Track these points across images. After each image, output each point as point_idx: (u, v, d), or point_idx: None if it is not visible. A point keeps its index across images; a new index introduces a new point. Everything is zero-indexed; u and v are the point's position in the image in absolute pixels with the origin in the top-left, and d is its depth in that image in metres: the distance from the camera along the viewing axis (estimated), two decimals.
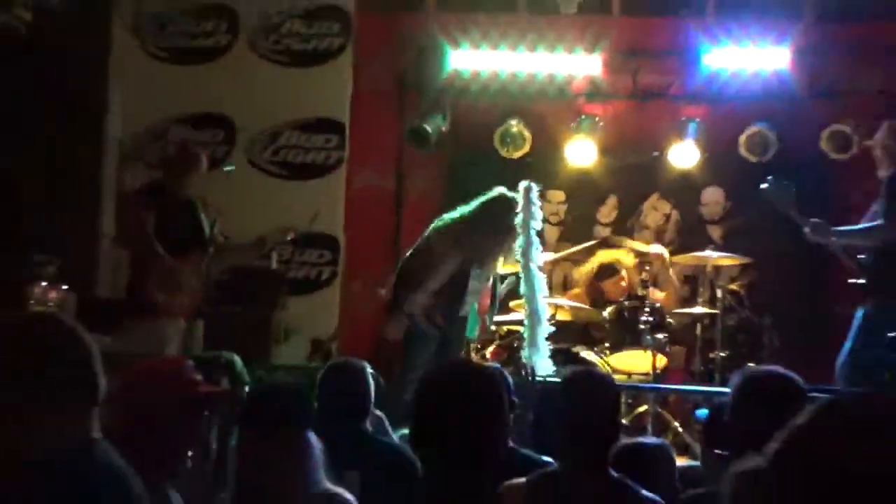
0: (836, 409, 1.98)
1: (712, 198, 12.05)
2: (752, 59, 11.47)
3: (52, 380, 3.04)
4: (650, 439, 6.19)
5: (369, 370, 5.65)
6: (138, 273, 9.82)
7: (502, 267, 10.20)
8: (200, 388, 4.31)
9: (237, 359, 6.05)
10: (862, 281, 9.09)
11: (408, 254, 9.65)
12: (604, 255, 11.64)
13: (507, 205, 9.36)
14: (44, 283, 10.14)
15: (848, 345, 8.92)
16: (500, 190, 9.42)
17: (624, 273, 11.40)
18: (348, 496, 4.30)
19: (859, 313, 9.03)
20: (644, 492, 4.62)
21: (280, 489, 4.14)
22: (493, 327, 10.42)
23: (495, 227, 9.36)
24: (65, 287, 10.17)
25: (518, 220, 9.64)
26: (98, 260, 11.03)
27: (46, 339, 3.10)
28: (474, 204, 9.37)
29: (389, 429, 6.43)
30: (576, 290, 11.65)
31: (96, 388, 3.10)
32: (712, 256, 10.76)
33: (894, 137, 9.50)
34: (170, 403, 3.87)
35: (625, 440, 5.03)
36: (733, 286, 10.76)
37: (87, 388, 3.10)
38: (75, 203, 11.29)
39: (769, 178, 9.28)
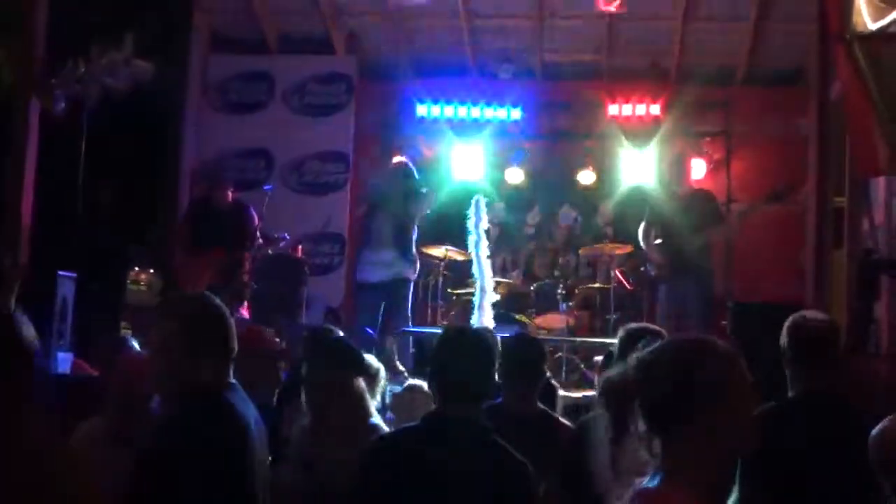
0: (662, 345, 2.35)
1: (606, 207, 12.02)
2: (633, 110, 11.55)
3: (211, 340, 3.23)
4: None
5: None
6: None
7: (459, 255, 10.29)
8: (275, 346, 4.50)
9: (278, 321, 6.06)
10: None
11: None
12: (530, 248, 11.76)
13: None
14: (137, 268, 10.11)
15: None
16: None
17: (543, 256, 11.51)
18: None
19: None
20: (561, 419, 4.69)
21: (343, 416, 4.15)
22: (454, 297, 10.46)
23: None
24: (151, 270, 10.14)
25: (472, 223, 9.70)
26: (176, 250, 10.98)
27: (210, 313, 3.29)
28: None
29: None
30: (509, 273, 11.69)
31: (233, 348, 3.28)
32: (607, 247, 10.82)
33: (672, 169, 9.71)
34: (257, 355, 3.97)
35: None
36: (621, 268, 10.77)
37: (228, 347, 3.27)
38: (160, 209, 11.29)
39: None
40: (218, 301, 3.33)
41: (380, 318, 8.97)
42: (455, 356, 3.49)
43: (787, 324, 4.12)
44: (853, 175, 8.40)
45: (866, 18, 5.73)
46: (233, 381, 3.29)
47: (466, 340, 3.60)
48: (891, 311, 6.64)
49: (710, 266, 9.58)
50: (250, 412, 3.26)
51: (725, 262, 11.40)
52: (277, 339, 5.01)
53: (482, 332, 3.90)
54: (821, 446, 3.76)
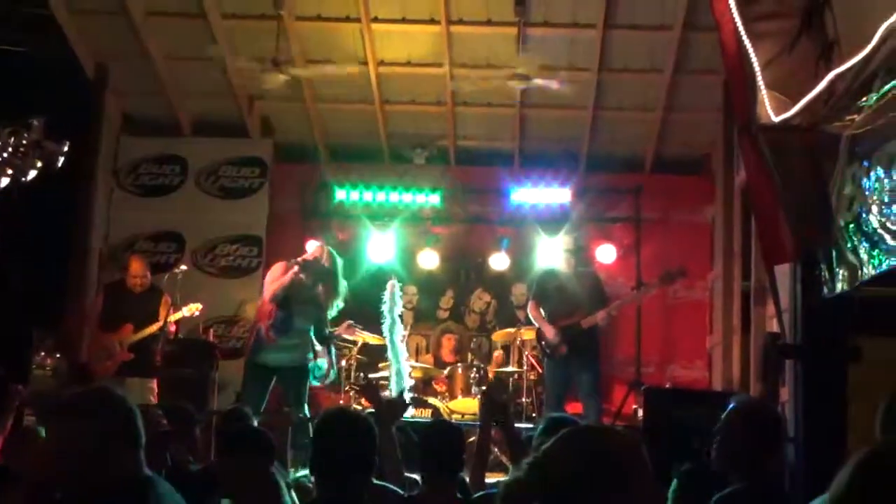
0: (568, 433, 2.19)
1: (519, 290, 12.10)
2: (545, 196, 11.70)
3: (117, 432, 3.18)
4: None
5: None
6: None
7: (373, 339, 10.24)
8: (162, 428, 4.37)
9: (189, 406, 5.95)
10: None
11: None
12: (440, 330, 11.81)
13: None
14: (42, 353, 9.87)
15: None
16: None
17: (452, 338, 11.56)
18: None
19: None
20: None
21: None
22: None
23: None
24: (58, 355, 9.92)
25: (386, 307, 9.69)
26: (83, 335, 10.75)
27: (115, 406, 3.23)
28: None
29: None
30: (422, 357, 11.70)
31: (140, 437, 3.23)
32: (520, 331, 10.86)
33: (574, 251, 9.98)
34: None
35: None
36: (534, 352, 10.82)
37: (135, 437, 3.22)
38: (67, 292, 11.08)
39: None
40: (120, 393, 3.31)
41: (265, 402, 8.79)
42: (331, 437, 3.48)
43: (741, 410, 4.00)
44: (759, 261, 8.59)
45: (769, 111, 5.90)
46: (148, 472, 3.24)
47: (341, 421, 3.62)
48: (796, 395, 6.75)
49: (599, 346, 9.79)
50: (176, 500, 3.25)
51: (635, 346, 11.55)
52: (165, 421, 4.88)
53: (358, 413, 3.88)
54: None
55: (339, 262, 9.10)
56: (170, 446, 4.61)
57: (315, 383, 9.27)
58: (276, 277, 8.91)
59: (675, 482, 4.10)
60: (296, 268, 8.78)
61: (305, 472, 4.97)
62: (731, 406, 4.04)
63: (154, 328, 9.53)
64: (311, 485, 4.69)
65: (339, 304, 9.01)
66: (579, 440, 2.19)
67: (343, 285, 8.99)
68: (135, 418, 3.23)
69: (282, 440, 5.28)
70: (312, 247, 8.97)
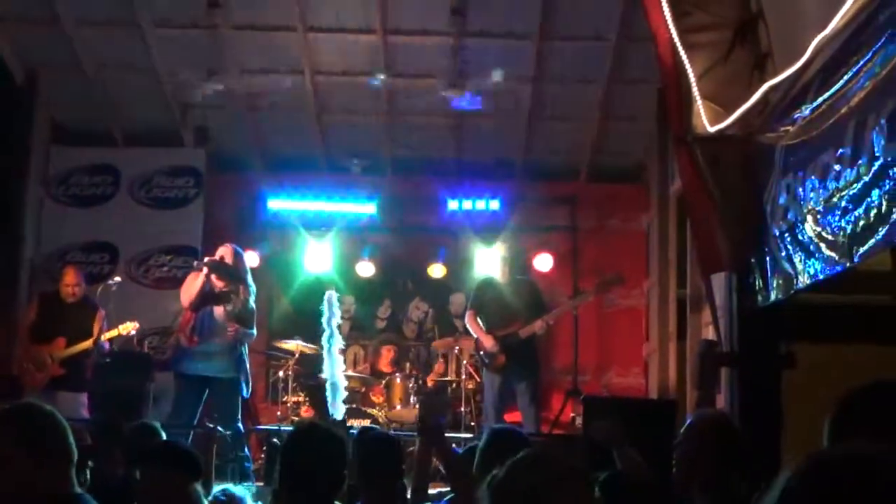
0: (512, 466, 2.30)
1: (457, 300, 12.12)
2: (482, 205, 11.73)
3: (46, 448, 3.08)
4: None
5: None
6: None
7: (310, 350, 10.19)
8: (83, 443, 4.32)
9: (122, 419, 5.88)
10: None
11: None
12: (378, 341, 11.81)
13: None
14: None
15: None
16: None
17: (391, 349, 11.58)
18: None
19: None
20: None
21: None
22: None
23: None
24: None
25: (324, 318, 9.65)
26: (13, 346, 10.57)
27: (39, 422, 3.13)
28: None
29: None
30: (360, 367, 11.68)
31: (72, 453, 3.14)
32: (458, 340, 10.89)
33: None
34: None
35: None
36: (472, 361, 10.84)
37: (66, 454, 3.13)
38: None
39: None
40: (49, 409, 3.22)
41: (198, 415, 8.78)
42: (304, 452, 3.43)
43: (698, 424, 4.02)
44: (696, 268, 8.69)
45: (705, 122, 6.00)
46: (78, 490, 3.16)
47: (315, 436, 3.56)
48: (731, 402, 6.84)
49: (538, 355, 9.85)
50: None
51: (573, 354, 11.62)
52: (88, 435, 4.81)
53: (332, 428, 3.83)
54: None
55: (245, 258, 9.33)
56: (91, 462, 4.51)
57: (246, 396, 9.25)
58: (189, 286, 9.07)
59: None
60: (204, 269, 8.93)
61: (225, 486, 4.92)
62: (689, 420, 4.07)
63: (87, 344, 9.41)
64: (223, 498, 4.65)
65: (252, 299, 9.02)
66: (520, 476, 2.27)
67: (251, 282, 9.14)
68: (65, 434, 3.15)
69: (204, 457, 5.19)
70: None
